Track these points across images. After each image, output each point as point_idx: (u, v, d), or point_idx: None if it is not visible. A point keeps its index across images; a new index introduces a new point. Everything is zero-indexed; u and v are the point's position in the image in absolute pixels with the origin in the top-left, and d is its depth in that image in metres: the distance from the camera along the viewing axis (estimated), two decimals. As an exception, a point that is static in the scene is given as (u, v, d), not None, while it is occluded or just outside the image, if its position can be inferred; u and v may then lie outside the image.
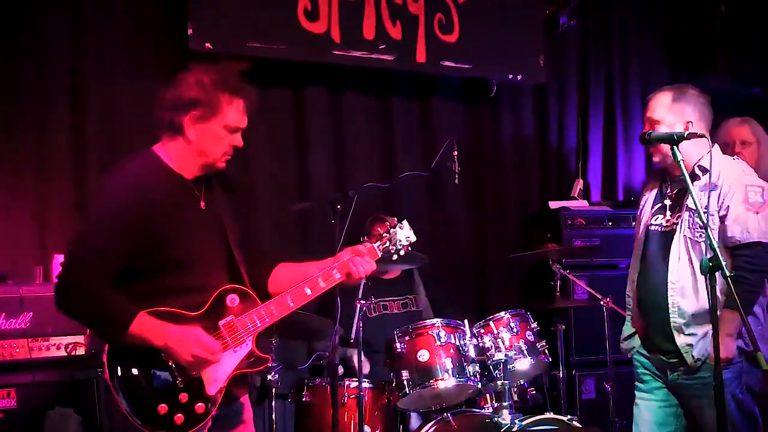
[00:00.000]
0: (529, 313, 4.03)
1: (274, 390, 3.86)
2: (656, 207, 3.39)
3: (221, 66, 2.83)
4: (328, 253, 2.88)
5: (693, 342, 3.18)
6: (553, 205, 5.20)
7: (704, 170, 3.22)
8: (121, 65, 4.42)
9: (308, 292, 2.73)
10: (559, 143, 5.61)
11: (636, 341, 3.44)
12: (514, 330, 3.88)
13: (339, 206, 3.60)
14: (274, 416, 3.91)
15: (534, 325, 3.98)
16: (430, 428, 3.69)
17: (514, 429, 3.63)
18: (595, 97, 5.71)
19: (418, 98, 5.18)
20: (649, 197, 3.45)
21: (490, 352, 3.81)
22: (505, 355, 3.79)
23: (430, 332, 3.76)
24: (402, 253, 2.88)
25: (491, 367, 3.80)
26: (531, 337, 3.91)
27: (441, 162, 4.19)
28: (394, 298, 4.47)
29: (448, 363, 3.69)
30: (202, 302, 2.62)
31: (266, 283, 2.86)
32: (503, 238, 5.31)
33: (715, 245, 2.66)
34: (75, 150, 4.30)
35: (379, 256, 2.85)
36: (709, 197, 3.13)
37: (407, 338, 3.76)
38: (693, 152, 3.21)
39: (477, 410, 3.86)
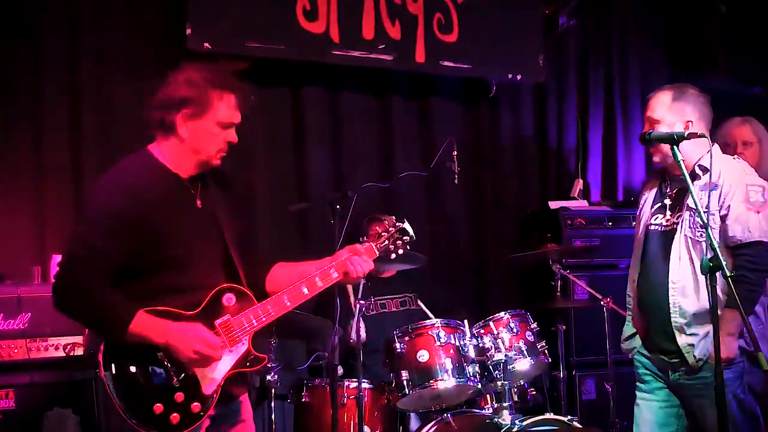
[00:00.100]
0: (528, 314, 4.02)
1: (273, 390, 3.86)
2: (656, 206, 3.38)
3: (212, 63, 2.82)
4: (327, 253, 2.87)
5: (694, 342, 3.17)
6: (553, 205, 5.19)
7: (704, 170, 3.21)
8: (119, 65, 4.41)
9: (305, 291, 2.73)
10: (558, 143, 5.60)
11: (637, 341, 3.43)
12: (514, 330, 3.87)
13: (338, 206, 3.59)
14: (273, 417, 3.90)
15: (534, 325, 3.97)
16: (429, 429, 3.68)
17: (514, 429, 3.62)
18: (594, 97, 5.70)
19: (417, 98, 5.17)
20: (649, 197, 3.45)
21: (489, 353, 3.80)
22: (505, 356, 3.78)
23: (429, 332, 3.75)
24: (400, 252, 2.87)
25: (491, 367, 3.79)
26: (531, 338, 3.91)
27: (440, 162, 4.19)
28: (393, 297, 4.46)
29: (448, 363, 3.69)
30: (198, 301, 2.62)
31: (264, 282, 2.86)
32: (503, 238, 5.31)
33: (716, 245, 2.66)
34: (73, 150, 4.30)
35: (377, 255, 2.84)
36: (709, 196, 3.12)
37: (407, 338, 3.75)
38: (693, 152, 3.20)
39: (477, 411, 3.85)
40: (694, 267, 3.17)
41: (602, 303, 4.22)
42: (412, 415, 4.09)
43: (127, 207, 2.56)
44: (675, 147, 2.86)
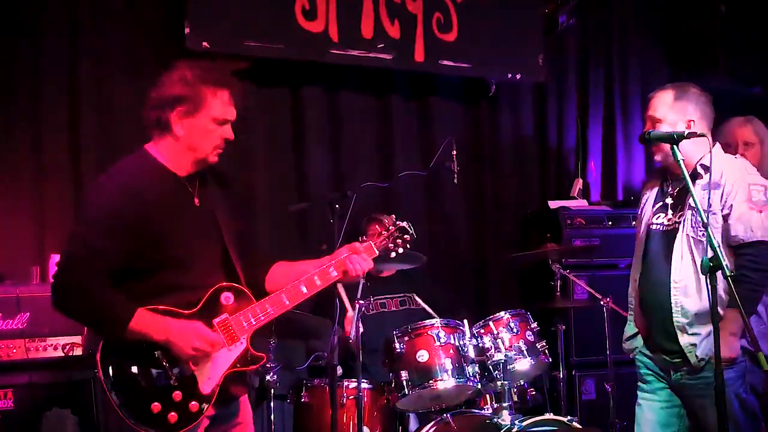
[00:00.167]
0: (528, 313, 4.01)
1: (272, 391, 3.85)
2: (657, 206, 3.38)
3: (206, 61, 2.83)
4: (327, 253, 2.87)
5: (696, 341, 3.16)
6: (553, 204, 5.19)
7: (706, 169, 3.20)
8: (119, 65, 4.41)
9: (304, 290, 2.73)
10: (558, 143, 5.60)
11: (638, 341, 3.42)
12: (514, 330, 3.86)
13: (337, 206, 3.58)
14: (272, 417, 3.89)
15: (534, 325, 3.96)
16: (429, 429, 3.67)
17: (514, 430, 3.61)
18: (594, 97, 5.70)
19: (416, 97, 5.17)
20: (650, 196, 3.44)
21: (489, 353, 3.79)
22: (505, 356, 3.77)
23: (429, 332, 3.74)
24: (400, 251, 2.86)
25: (491, 367, 3.78)
26: (531, 338, 3.90)
27: (440, 161, 4.18)
28: (393, 296, 4.45)
29: (448, 363, 3.67)
30: (196, 300, 2.62)
31: (263, 281, 2.86)
32: (503, 237, 5.30)
33: (716, 244, 2.65)
34: (72, 150, 4.29)
35: (377, 253, 2.84)
36: (709, 195, 3.11)
37: (406, 338, 3.74)
38: (695, 151, 3.20)
39: (477, 411, 3.84)
40: (696, 266, 3.16)
41: (602, 303, 4.22)
42: (412, 415, 4.09)
43: (126, 207, 2.56)
44: (675, 146, 2.85)
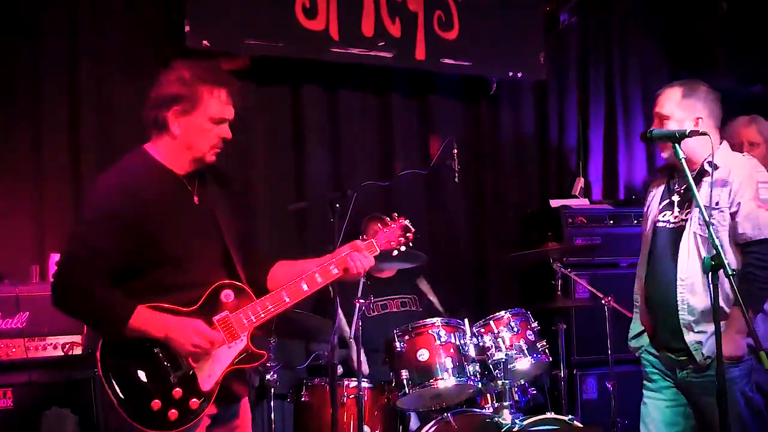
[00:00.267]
0: (529, 313, 4.00)
1: (272, 390, 3.85)
2: (664, 203, 3.36)
3: (204, 60, 2.83)
4: (327, 252, 2.86)
5: (702, 339, 3.15)
6: (554, 203, 5.18)
7: (714, 166, 3.19)
8: (119, 65, 4.40)
9: (305, 287, 2.72)
10: (559, 141, 5.59)
11: (644, 340, 3.41)
12: (515, 329, 3.85)
13: (338, 205, 3.57)
14: (272, 416, 3.89)
15: (535, 324, 3.95)
16: (430, 428, 3.66)
17: (515, 429, 3.60)
18: (595, 95, 5.69)
19: (417, 96, 5.16)
20: (656, 193, 3.43)
21: (490, 352, 3.79)
22: (506, 355, 3.76)
23: (429, 331, 3.73)
24: (402, 249, 2.86)
25: (491, 366, 3.77)
26: (532, 337, 3.89)
27: (440, 160, 4.17)
28: (394, 297, 4.44)
29: (448, 362, 3.67)
30: (196, 298, 2.61)
31: (265, 280, 2.85)
32: (503, 236, 5.29)
33: (717, 243, 2.64)
34: (72, 149, 4.28)
35: (378, 251, 2.83)
36: (711, 192, 3.10)
37: (407, 337, 3.73)
38: (702, 148, 3.18)
39: (477, 410, 3.83)
40: (703, 264, 3.16)
41: (603, 302, 4.20)
42: (412, 414, 4.08)
43: (125, 206, 2.57)
44: (677, 145, 2.85)
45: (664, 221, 3.33)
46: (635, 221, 4.90)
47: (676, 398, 3.32)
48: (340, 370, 3.84)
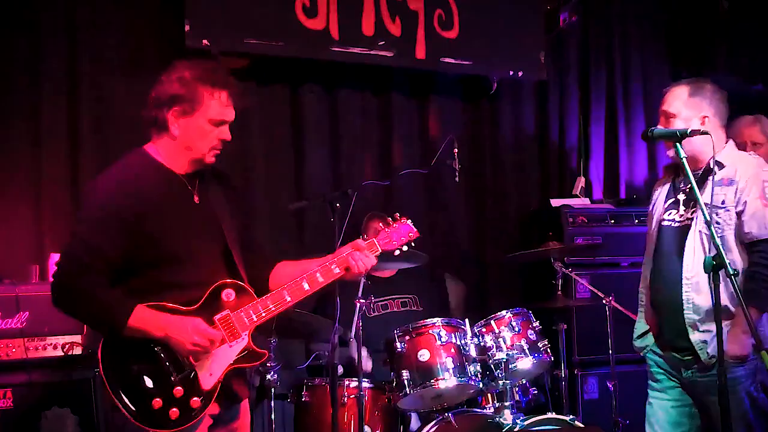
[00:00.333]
0: (530, 312, 3.99)
1: (273, 390, 3.84)
2: (669, 201, 3.36)
3: (205, 61, 2.82)
4: (327, 252, 2.85)
5: (708, 339, 3.14)
6: (555, 202, 5.16)
7: (720, 165, 3.19)
8: (118, 64, 4.39)
9: (306, 287, 2.72)
10: (560, 140, 5.58)
11: (649, 339, 3.40)
12: (516, 329, 3.84)
13: (338, 205, 3.56)
14: (273, 416, 3.88)
15: (536, 324, 3.94)
16: (430, 428, 3.66)
17: (516, 429, 3.60)
18: (596, 94, 5.68)
19: (417, 95, 5.15)
20: (662, 192, 3.42)
21: (491, 352, 3.78)
22: (507, 355, 3.76)
23: (430, 332, 3.72)
24: (405, 248, 2.85)
25: (492, 366, 3.76)
26: (533, 336, 3.88)
27: (441, 160, 4.16)
28: (395, 297, 4.43)
29: (449, 362, 3.66)
30: (197, 297, 2.61)
31: (267, 279, 2.85)
32: (504, 236, 5.28)
33: (718, 242, 2.64)
34: (71, 149, 4.27)
35: (379, 250, 2.82)
36: (712, 192, 3.10)
37: (407, 338, 3.72)
38: (708, 147, 3.16)
39: (478, 410, 3.83)
40: (709, 263, 3.15)
41: (604, 301, 4.20)
42: (413, 414, 4.07)
43: (124, 205, 2.57)
44: (678, 144, 2.84)
45: (669, 220, 3.33)
46: (636, 221, 4.89)
47: (681, 398, 3.31)
48: (340, 370, 3.82)
